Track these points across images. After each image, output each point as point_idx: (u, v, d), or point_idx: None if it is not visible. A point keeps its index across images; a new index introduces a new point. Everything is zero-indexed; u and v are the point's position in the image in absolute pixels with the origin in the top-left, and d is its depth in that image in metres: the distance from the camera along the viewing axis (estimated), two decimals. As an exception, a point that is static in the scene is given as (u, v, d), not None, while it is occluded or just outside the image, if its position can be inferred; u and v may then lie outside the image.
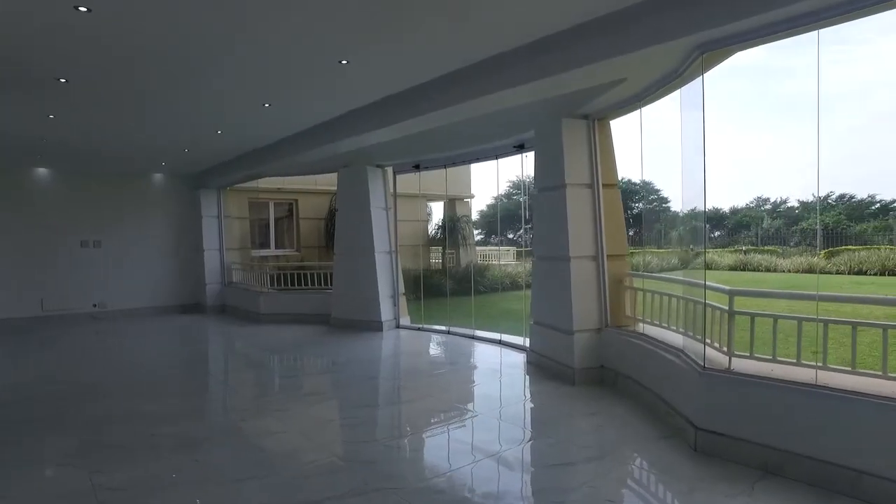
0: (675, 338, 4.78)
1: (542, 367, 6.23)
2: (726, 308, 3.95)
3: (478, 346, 7.91)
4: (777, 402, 3.44)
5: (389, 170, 9.65)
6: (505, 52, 4.79)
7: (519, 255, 21.16)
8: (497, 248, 21.95)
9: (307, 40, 4.33)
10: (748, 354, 3.85)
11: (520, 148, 7.28)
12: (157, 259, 11.78)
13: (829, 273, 19.58)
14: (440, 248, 19.15)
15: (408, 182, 10.40)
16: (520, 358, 6.93)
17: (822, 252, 26.76)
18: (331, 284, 10.19)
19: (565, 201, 5.76)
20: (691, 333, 4.35)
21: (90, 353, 8.03)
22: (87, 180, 10.92)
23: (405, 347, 8.18)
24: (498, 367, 6.74)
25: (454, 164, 8.64)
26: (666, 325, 5.04)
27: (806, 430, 3.29)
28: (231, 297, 11.84)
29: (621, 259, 5.92)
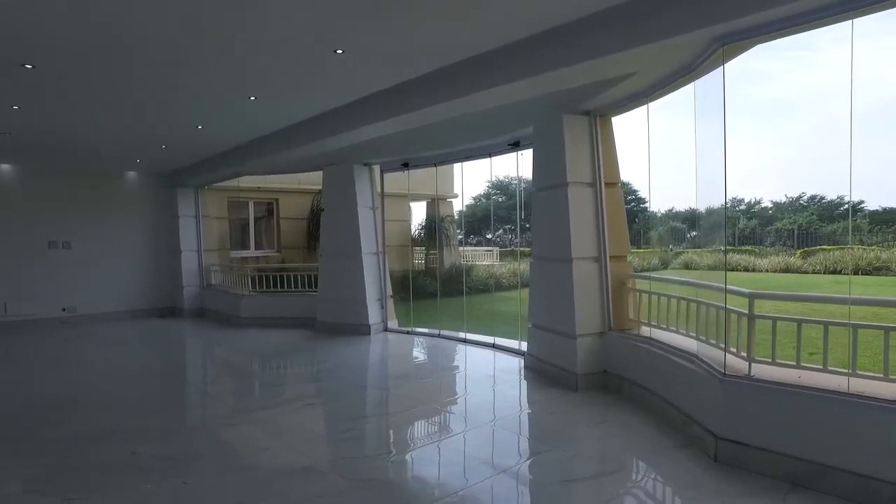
0: (684, 342, 4.61)
1: (541, 373, 6.02)
2: (745, 312, 3.78)
3: (471, 350, 7.67)
4: (807, 410, 3.27)
5: (377, 168, 9.35)
6: (506, 46, 4.57)
7: (502, 256, 21.01)
8: (482, 248, 21.77)
9: (301, 26, 4.03)
10: (770, 360, 3.68)
11: (515, 146, 7.07)
12: (130, 261, 11.23)
13: (806, 273, 19.91)
14: (422, 248, 18.89)
15: (393, 181, 10.12)
16: (516, 362, 6.71)
17: (798, 252, 27.33)
18: (315, 287, 9.85)
19: (567, 200, 5.55)
20: (705, 338, 4.18)
21: (59, 362, 7.55)
22: (56, 178, 10.32)
23: (395, 352, 7.90)
24: (494, 372, 6.50)
25: (444, 162, 8.40)
26: (674, 329, 4.87)
27: (840, 441, 3.13)
28: (210, 300, 11.38)
29: (623, 260, 5.75)
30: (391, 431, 4.71)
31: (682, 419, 4.21)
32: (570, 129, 5.61)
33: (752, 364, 3.73)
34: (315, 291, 9.75)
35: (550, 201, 5.84)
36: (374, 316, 8.99)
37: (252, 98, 5.88)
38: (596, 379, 5.50)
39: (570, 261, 5.53)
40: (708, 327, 4.23)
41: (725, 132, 3.69)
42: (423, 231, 18.86)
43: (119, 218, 11.09)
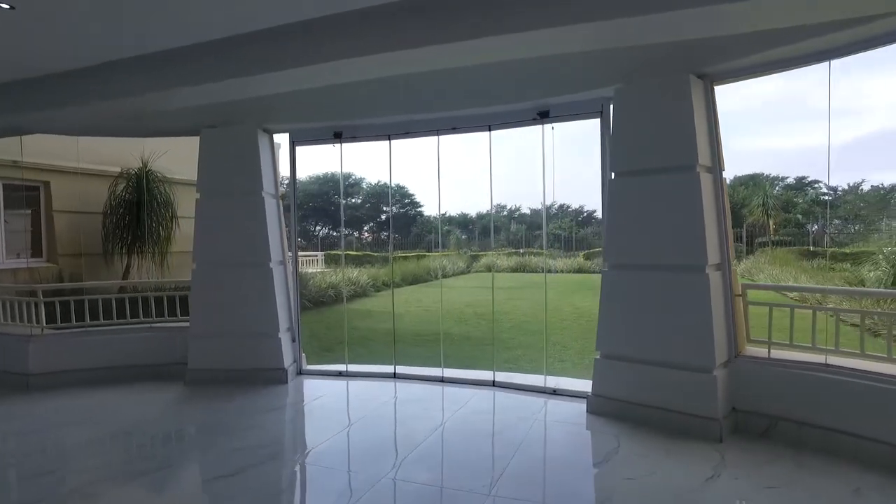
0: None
1: (637, 422, 4.42)
2: None
3: (465, 395, 5.46)
4: None
5: (283, 137, 6.47)
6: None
7: (328, 261, 18.33)
8: (307, 253, 18.70)
9: None
10: None
11: (543, 116, 5.34)
12: None
13: (595, 272, 22.36)
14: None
15: (183, 160, 7.49)
16: (561, 408, 4.97)
17: (581, 254, 30.88)
18: (171, 314, 6.37)
19: (699, 189, 4.15)
20: None
21: None
22: None
23: (362, 416, 5.23)
24: (565, 431, 4.59)
25: (407, 134, 6.08)
26: (854, 352, 3.90)
27: None
28: (-63, 346, 6.54)
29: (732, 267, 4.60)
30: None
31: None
32: (696, 94, 4.23)
33: None
34: (173, 321, 6.30)
35: (658, 189, 4.35)
36: (287, 355, 6.12)
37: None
38: (729, 422, 4.21)
39: (703, 269, 4.14)
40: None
41: None
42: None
43: None
